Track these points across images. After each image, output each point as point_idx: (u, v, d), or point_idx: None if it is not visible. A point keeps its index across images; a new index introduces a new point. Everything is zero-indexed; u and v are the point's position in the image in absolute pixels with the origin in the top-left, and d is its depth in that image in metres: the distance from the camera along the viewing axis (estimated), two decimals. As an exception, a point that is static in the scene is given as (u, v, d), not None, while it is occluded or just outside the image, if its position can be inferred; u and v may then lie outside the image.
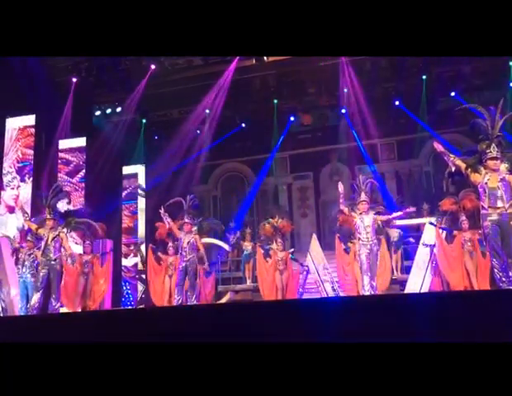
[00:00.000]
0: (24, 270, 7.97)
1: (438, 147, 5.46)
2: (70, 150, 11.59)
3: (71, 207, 8.70)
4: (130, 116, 12.78)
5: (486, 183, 5.01)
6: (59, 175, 11.36)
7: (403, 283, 8.26)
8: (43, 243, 6.53)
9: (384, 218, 6.88)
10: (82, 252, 8.66)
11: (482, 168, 5.11)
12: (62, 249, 6.65)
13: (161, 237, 8.93)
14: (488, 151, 5.02)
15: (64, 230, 6.83)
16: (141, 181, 12.94)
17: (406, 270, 9.05)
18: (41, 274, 6.48)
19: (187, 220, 7.40)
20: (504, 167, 5.08)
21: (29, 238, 8.16)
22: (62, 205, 7.87)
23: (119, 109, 12.68)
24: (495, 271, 4.96)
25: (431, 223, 7.68)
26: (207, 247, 9.07)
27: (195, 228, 7.47)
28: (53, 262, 6.47)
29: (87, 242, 8.44)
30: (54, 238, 6.54)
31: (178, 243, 7.53)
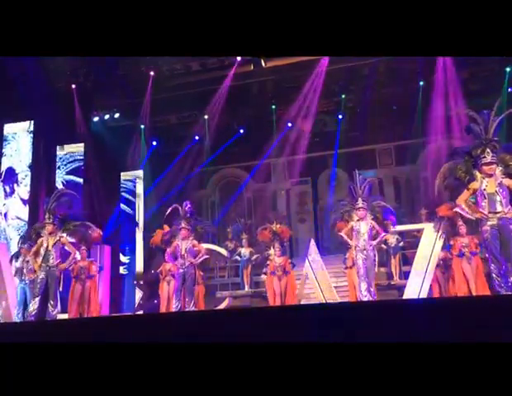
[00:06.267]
0: (22, 276, 7.95)
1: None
2: (68, 156, 11.60)
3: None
4: (129, 122, 12.78)
5: (485, 189, 4.99)
6: (57, 181, 11.35)
7: (401, 288, 8.25)
8: (42, 249, 6.50)
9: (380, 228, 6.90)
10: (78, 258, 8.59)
11: (478, 174, 5.09)
12: (70, 254, 6.69)
13: (156, 244, 8.88)
14: (483, 156, 4.99)
15: (64, 235, 6.82)
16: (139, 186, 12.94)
17: (405, 275, 9.03)
18: (39, 279, 6.45)
19: (183, 226, 7.35)
20: (499, 171, 5.04)
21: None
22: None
23: (117, 115, 12.69)
24: (494, 276, 4.94)
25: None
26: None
27: (192, 234, 7.42)
28: (53, 268, 6.45)
29: (83, 247, 8.35)
30: (55, 243, 6.52)
31: (176, 250, 7.48)
